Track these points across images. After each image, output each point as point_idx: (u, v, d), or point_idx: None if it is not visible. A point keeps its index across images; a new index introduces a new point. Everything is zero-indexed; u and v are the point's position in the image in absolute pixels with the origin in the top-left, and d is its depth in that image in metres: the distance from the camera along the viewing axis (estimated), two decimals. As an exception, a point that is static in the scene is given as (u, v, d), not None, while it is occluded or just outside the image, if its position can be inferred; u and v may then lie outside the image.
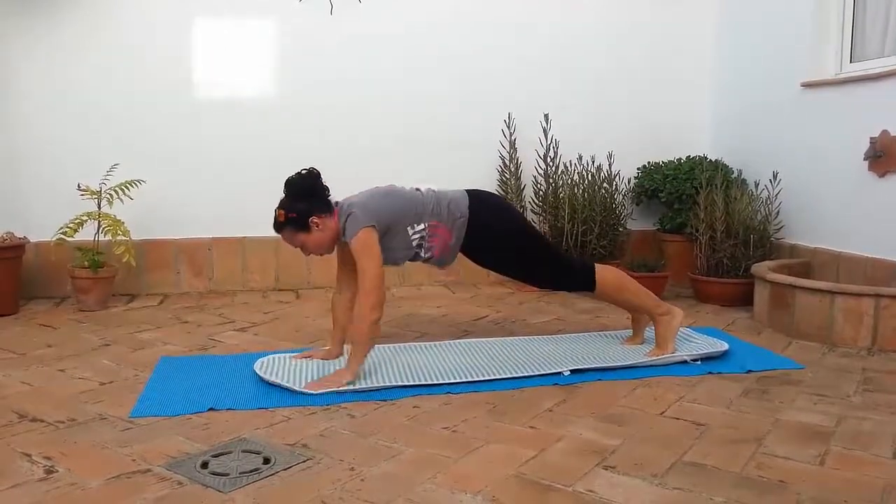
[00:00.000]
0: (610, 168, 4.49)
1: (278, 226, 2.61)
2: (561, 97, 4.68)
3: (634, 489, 1.76)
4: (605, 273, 2.86)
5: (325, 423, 2.19)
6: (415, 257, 2.78)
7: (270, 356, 2.79)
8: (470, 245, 2.78)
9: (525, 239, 2.86)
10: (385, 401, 2.39)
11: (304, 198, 2.58)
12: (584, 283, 2.85)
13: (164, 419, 2.21)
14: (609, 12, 4.77)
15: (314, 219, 2.58)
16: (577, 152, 4.50)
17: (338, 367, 2.63)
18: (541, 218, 4.52)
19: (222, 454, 1.95)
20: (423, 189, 2.79)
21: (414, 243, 2.70)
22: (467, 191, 2.82)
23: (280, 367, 2.66)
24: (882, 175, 3.55)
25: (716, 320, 3.61)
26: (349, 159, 4.42)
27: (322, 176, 2.64)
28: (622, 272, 3.01)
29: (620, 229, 4.47)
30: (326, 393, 2.41)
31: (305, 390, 2.43)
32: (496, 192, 2.93)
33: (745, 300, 3.82)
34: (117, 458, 1.93)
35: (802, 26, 4.09)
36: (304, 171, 2.64)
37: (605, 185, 4.44)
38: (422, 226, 2.69)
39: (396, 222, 2.65)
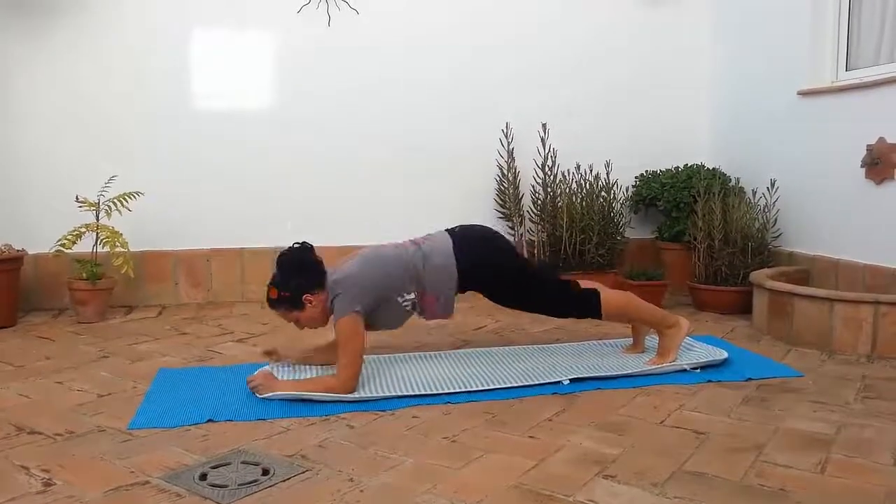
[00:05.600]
0: (608, 177, 4.49)
1: (272, 303, 2.61)
2: (559, 106, 4.68)
3: (635, 498, 1.75)
4: (611, 298, 2.84)
5: (324, 433, 2.18)
6: (413, 312, 2.79)
7: (267, 367, 2.78)
8: (469, 286, 2.78)
9: (518, 271, 2.85)
10: (384, 411, 2.38)
11: (297, 275, 2.57)
12: (588, 310, 2.83)
13: (163, 431, 2.21)
14: (606, 21, 4.79)
15: (307, 296, 2.57)
16: (575, 161, 4.51)
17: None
18: (539, 227, 4.52)
19: (221, 466, 1.94)
20: (408, 246, 2.73)
21: (407, 308, 2.73)
22: (450, 233, 2.78)
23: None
24: (879, 182, 3.56)
25: (715, 328, 3.61)
26: (349, 169, 4.43)
27: (314, 249, 2.63)
28: (629, 293, 2.97)
29: (619, 238, 4.47)
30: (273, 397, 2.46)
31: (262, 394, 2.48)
32: (482, 225, 2.94)
33: (743, 308, 3.82)
34: (115, 470, 1.92)
35: (799, 35, 4.10)
36: (295, 246, 2.63)
37: (603, 193, 4.44)
38: (411, 295, 2.69)
39: (385, 297, 2.64)
